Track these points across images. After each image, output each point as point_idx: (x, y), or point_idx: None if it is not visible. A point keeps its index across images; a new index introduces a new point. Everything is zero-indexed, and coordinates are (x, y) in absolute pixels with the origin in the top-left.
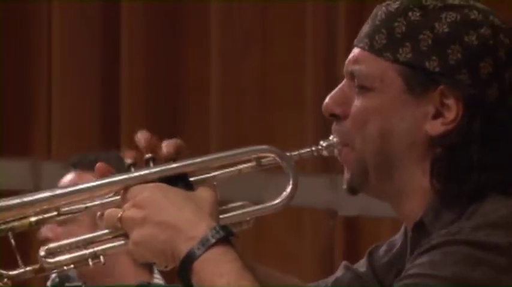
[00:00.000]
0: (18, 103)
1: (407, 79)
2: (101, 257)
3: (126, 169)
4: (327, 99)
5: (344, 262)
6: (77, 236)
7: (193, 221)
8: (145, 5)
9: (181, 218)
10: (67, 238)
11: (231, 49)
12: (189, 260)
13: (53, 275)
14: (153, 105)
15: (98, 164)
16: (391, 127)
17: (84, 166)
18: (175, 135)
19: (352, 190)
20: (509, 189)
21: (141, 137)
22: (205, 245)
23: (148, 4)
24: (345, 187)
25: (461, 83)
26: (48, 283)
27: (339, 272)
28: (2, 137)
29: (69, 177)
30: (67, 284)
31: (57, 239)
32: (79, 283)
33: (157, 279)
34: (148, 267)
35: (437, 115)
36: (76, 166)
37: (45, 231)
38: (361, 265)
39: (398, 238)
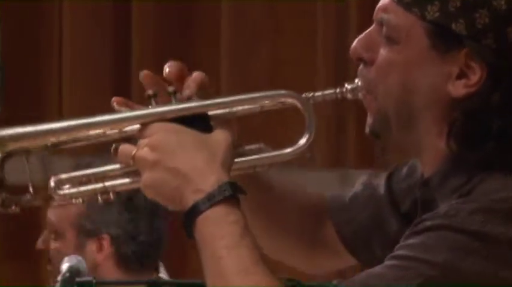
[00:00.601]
0: (28, 102)
1: (433, 37)
2: (111, 193)
3: (147, 100)
4: (355, 42)
5: (363, 178)
6: (64, 253)
7: (203, 172)
8: (156, 4)
9: (192, 167)
10: (57, 254)
11: (241, 47)
12: (193, 213)
13: (64, 270)
14: None
15: (115, 98)
16: (414, 82)
17: None
18: None
19: (374, 134)
20: None
21: (169, 68)
22: (211, 201)
23: (159, 3)
24: (367, 130)
25: (487, 47)
26: (59, 278)
27: (357, 188)
28: None
29: None
30: (77, 279)
31: (52, 253)
32: (90, 278)
33: (163, 275)
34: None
35: (461, 76)
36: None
37: (39, 243)
38: (380, 185)
39: (418, 166)
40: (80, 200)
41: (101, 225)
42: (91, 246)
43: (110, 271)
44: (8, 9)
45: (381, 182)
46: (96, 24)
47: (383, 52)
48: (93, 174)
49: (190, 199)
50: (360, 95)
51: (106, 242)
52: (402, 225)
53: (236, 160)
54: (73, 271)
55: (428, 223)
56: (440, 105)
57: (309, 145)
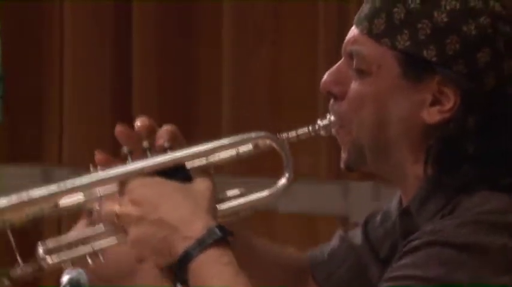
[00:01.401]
0: (29, 108)
1: (405, 66)
2: (100, 255)
3: (123, 158)
4: (325, 76)
5: (339, 232)
6: None
7: (190, 220)
8: (157, 5)
9: (178, 217)
10: None
11: (242, 48)
12: (184, 260)
13: (64, 282)
14: (165, 107)
15: (98, 156)
16: (388, 113)
17: None
18: (187, 137)
19: (350, 169)
20: (500, 184)
21: (139, 123)
22: (202, 245)
23: (160, 3)
24: (342, 165)
25: (458, 73)
26: None
27: (335, 243)
28: (13, 143)
29: None
30: None
31: None
32: None
33: None
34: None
35: (434, 103)
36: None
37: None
38: (357, 236)
39: (392, 207)
40: (71, 265)
41: None
42: None
43: None
44: (9, 9)
45: (357, 233)
46: (97, 24)
47: (354, 85)
48: (81, 237)
49: (180, 247)
50: (333, 130)
51: None
52: (383, 271)
53: (219, 207)
54: (73, 284)
55: (415, 243)
56: (415, 133)
57: (290, 184)
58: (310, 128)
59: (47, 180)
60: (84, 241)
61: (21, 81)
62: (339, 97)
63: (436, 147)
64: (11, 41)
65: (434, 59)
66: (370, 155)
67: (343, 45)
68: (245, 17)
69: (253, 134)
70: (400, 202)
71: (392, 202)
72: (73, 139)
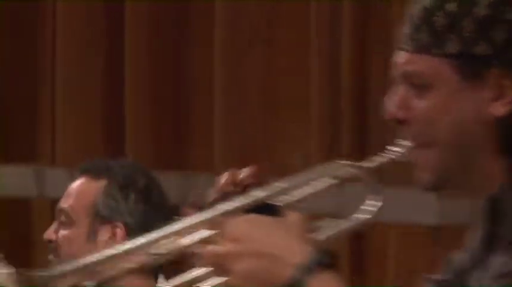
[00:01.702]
0: (22, 108)
1: (460, 69)
2: None
3: (211, 205)
4: (387, 105)
5: (424, 275)
6: (75, 241)
7: (288, 246)
8: (150, 5)
9: (276, 246)
10: (68, 242)
11: (235, 49)
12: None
13: None
14: (158, 108)
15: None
16: (458, 119)
17: (94, 172)
18: (179, 137)
19: (435, 189)
20: None
21: (225, 183)
22: (307, 271)
23: (152, 4)
24: (424, 187)
25: None
26: None
27: None
28: (6, 143)
29: (78, 182)
30: None
31: (60, 241)
32: None
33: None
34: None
35: (497, 97)
36: (86, 171)
37: (48, 234)
38: (441, 275)
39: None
40: None
41: (116, 212)
42: (104, 234)
43: None
44: (1, 9)
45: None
46: (89, 24)
47: (419, 104)
48: (185, 281)
49: (284, 275)
50: (412, 155)
51: (120, 231)
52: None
53: (318, 237)
54: None
55: None
56: (488, 129)
57: (378, 211)
58: (392, 155)
59: (40, 180)
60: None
61: (14, 82)
62: (407, 121)
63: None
64: (3, 41)
65: (486, 52)
66: (456, 167)
67: (394, 71)
68: (238, 17)
69: (335, 164)
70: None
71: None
72: (66, 139)
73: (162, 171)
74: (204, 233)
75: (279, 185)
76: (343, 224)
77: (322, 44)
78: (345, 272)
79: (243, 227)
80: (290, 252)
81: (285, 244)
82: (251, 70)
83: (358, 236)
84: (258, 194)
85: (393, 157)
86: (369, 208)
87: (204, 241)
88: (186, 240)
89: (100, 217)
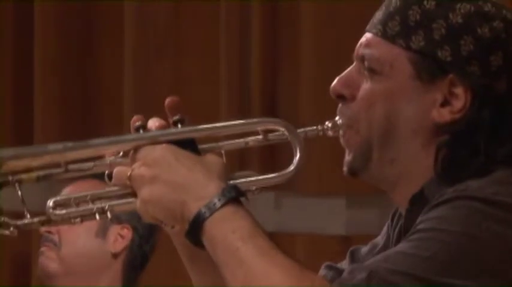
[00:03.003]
0: None
1: (418, 66)
2: (108, 213)
3: (136, 131)
4: (335, 81)
5: (326, 263)
6: (84, 236)
7: (203, 181)
8: (58, 4)
9: (191, 179)
10: (75, 235)
11: (144, 59)
12: (199, 219)
13: None
14: (67, 115)
15: (135, 118)
16: (398, 112)
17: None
18: None
19: (353, 172)
20: None
21: (153, 122)
22: (216, 204)
23: (60, 4)
24: (345, 169)
25: (472, 74)
26: None
27: (322, 272)
28: None
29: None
30: None
31: (55, 234)
32: None
33: None
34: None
35: (445, 103)
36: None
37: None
38: (344, 264)
39: (380, 238)
40: (79, 219)
41: (128, 215)
42: (113, 232)
43: (114, 274)
44: None
45: (343, 263)
46: None
47: (365, 86)
48: (90, 195)
49: (194, 206)
50: (341, 132)
51: (128, 232)
52: None
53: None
54: None
55: (440, 199)
56: (425, 132)
57: (298, 170)
58: (319, 127)
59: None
60: (94, 199)
61: None
62: (349, 99)
63: (447, 142)
64: None
65: (448, 59)
66: (378, 153)
67: (355, 49)
68: (146, 26)
69: (267, 119)
70: (389, 228)
71: (378, 237)
72: None
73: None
74: (120, 156)
75: (207, 125)
76: (260, 178)
77: (232, 54)
78: None
79: (159, 153)
80: (203, 187)
81: (200, 178)
82: (160, 80)
83: None
84: (184, 128)
85: (321, 130)
86: (293, 166)
87: (118, 164)
88: (101, 161)
89: (113, 217)
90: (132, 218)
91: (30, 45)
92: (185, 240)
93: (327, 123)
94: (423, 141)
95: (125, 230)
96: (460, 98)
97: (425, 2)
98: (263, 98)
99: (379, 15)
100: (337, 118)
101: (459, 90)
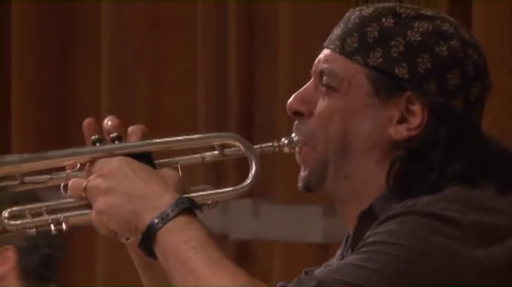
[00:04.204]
0: None
1: (375, 83)
2: (63, 224)
3: (91, 145)
4: (291, 98)
5: (305, 269)
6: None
7: (158, 193)
8: (36, 4)
9: (146, 190)
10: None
11: (121, 65)
12: (152, 229)
13: None
14: (43, 121)
15: (88, 120)
16: (354, 128)
17: None
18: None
19: (308, 188)
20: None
21: (109, 121)
22: (169, 215)
23: (38, 3)
24: (300, 185)
25: (429, 91)
26: None
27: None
28: None
29: None
30: None
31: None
32: None
33: None
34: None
35: (402, 120)
36: None
37: None
38: None
39: (335, 260)
40: (33, 230)
41: (7, 237)
42: None
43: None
44: None
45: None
46: None
47: (322, 103)
48: (46, 207)
49: (147, 217)
50: (297, 148)
51: (11, 254)
52: None
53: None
54: None
55: (388, 214)
56: (381, 148)
57: (253, 185)
58: (275, 143)
59: None
60: (50, 211)
61: None
62: (306, 115)
63: (402, 158)
64: None
65: (405, 76)
66: (333, 170)
67: (314, 65)
68: (123, 34)
69: (224, 134)
70: (347, 237)
71: (331, 260)
72: None
73: None
74: (76, 169)
75: (164, 139)
76: (215, 192)
77: (209, 64)
78: None
79: (115, 165)
80: (158, 198)
81: (156, 190)
82: (137, 88)
83: (243, 251)
84: (141, 142)
85: (277, 146)
86: (247, 182)
87: (74, 176)
88: (57, 173)
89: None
90: (14, 238)
91: (7, 45)
92: (139, 250)
93: (283, 139)
94: (378, 157)
95: (8, 252)
96: (417, 116)
97: (383, 20)
98: (240, 103)
99: (337, 31)
100: (293, 135)
101: (416, 108)
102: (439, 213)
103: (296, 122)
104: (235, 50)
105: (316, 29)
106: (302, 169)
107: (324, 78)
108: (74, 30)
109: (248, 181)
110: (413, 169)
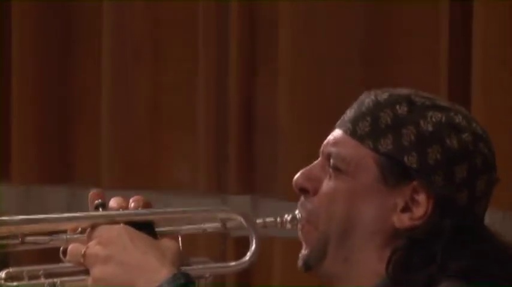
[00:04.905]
0: None
1: (383, 169)
2: None
3: (94, 209)
4: (298, 174)
5: None
6: None
7: (155, 266)
8: (37, 4)
9: (144, 262)
10: None
11: (122, 65)
12: None
13: None
14: (44, 120)
15: (92, 193)
16: (358, 212)
17: None
18: (65, 150)
19: (307, 267)
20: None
21: (113, 202)
22: None
23: (39, 4)
24: (300, 263)
25: (435, 182)
26: None
27: None
28: None
29: None
30: None
31: None
32: None
33: None
34: None
35: (405, 209)
36: None
37: None
38: None
39: None
40: None
41: None
42: None
43: None
44: None
45: None
46: None
47: (329, 182)
48: (43, 270)
49: None
50: (299, 225)
51: None
52: None
53: (182, 268)
54: None
55: None
56: (383, 235)
57: (252, 262)
58: (278, 219)
59: None
60: (47, 274)
61: None
62: (311, 193)
63: (404, 247)
64: None
65: (414, 165)
66: (333, 250)
67: (322, 145)
68: (124, 33)
69: (226, 208)
70: None
71: None
72: None
73: (48, 184)
74: (77, 232)
75: (166, 209)
76: (214, 266)
77: (210, 62)
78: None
79: (115, 234)
80: (155, 271)
81: (153, 263)
82: (138, 86)
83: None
84: (144, 211)
85: (279, 222)
86: (247, 257)
87: (74, 240)
88: (57, 235)
89: None
90: None
91: (7, 45)
92: None
93: (286, 216)
94: (379, 244)
95: None
96: (422, 206)
97: (397, 107)
98: (240, 103)
99: (350, 113)
100: (297, 212)
101: (421, 198)
102: None
103: (301, 198)
104: (236, 50)
105: (316, 29)
106: (303, 247)
107: (332, 161)
108: (74, 30)
109: (247, 257)
110: (413, 259)
